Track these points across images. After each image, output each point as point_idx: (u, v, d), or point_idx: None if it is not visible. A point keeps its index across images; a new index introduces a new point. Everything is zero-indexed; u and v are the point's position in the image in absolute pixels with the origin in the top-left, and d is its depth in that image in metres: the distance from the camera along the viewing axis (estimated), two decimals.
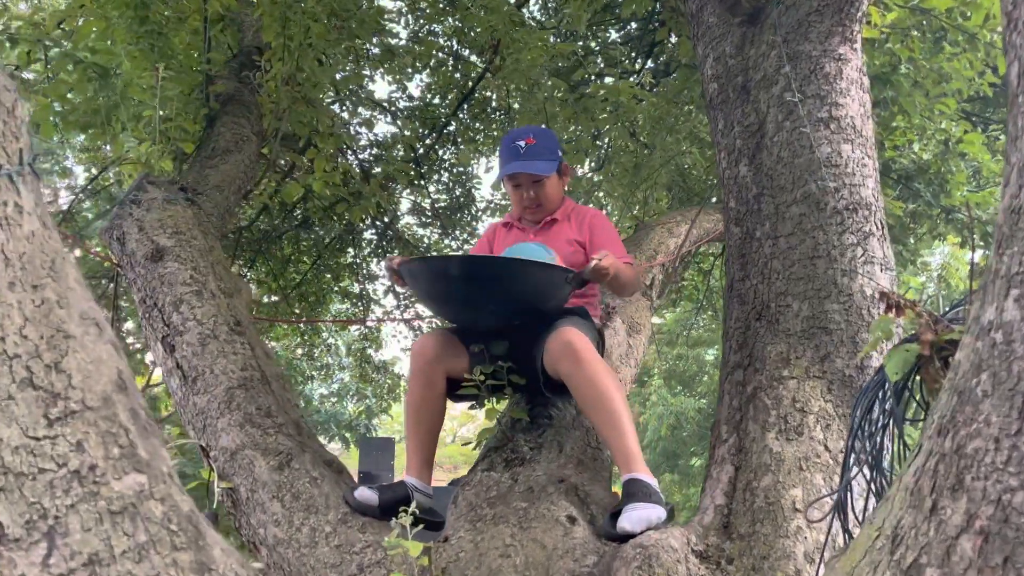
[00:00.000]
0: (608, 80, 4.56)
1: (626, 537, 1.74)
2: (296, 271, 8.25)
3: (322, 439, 13.47)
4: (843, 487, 1.43)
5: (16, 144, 1.12)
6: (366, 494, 2.08)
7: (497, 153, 2.62)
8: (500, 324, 2.22)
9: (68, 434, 1.04)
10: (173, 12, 3.76)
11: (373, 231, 7.55)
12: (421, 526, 1.85)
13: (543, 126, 3.46)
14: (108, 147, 4.01)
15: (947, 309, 1.44)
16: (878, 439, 1.41)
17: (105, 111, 3.56)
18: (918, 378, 1.43)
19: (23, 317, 1.04)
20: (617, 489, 2.05)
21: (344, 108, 5.62)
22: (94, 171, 5.59)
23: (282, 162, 5.00)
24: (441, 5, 5.36)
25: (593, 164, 5.03)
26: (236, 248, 7.65)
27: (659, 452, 13.91)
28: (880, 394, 1.42)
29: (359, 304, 8.48)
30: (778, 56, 2.32)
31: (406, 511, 1.79)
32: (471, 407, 2.32)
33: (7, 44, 3.58)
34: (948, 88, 3.93)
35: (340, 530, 2.00)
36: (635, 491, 1.87)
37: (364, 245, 7.89)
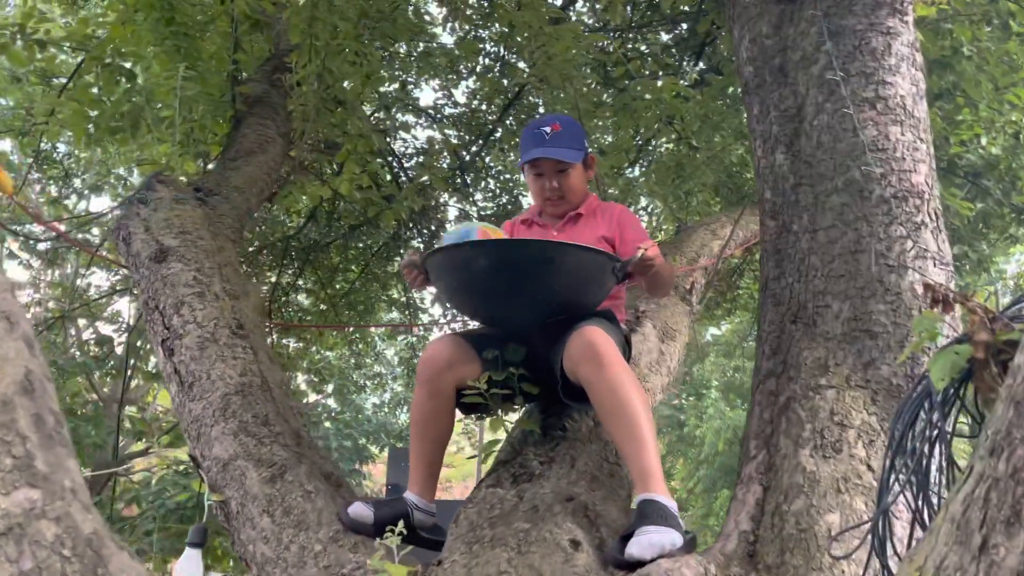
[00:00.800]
0: (652, 81, 4.36)
1: (635, 565, 1.53)
2: (345, 280, 8.22)
3: (373, 449, 13.44)
4: (878, 514, 1.20)
5: None
6: (361, 511, 1.92)
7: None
8: (537, 320, 2.02)
9: None
10: (200, 13, 3.71)
11: (420, 239, 7.47)
12: (410, 548, 1.68)
13: (570, 116, 3.28)
14: (138, 151, 3.99)
15: (1008, 305, 1.21)
16: (924, 458, 1.19)
17: (132, 115, 3.52)
18: (971, 387, 1.20)
19: None
20: None
21: (381, 112, 5.53)
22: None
23: (316, 166, 4.93)
24: (486, 8, 5.25)
25: (634, 162, 4.83)
26: (284, 257, 7.66)
27: (716, 467, 13.47)
28: (926, 405, 1.20)
29: (406, 313, 8.40)
30: (818, 32, 2.10)
31: (393, 530, 1.62)
32: (478, 418, 2.14)
33: (35, 47, 3.57)
34: (1018, 77, 3.60)
35: (330, 549, 1.84)
36: (649, 512, 1.66)
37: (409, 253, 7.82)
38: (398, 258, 7.64)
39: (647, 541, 1.57)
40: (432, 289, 2.39)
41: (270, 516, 1.94)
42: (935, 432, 1.14)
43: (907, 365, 1.69)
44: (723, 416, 13.34)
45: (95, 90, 3.52)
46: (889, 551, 1.29)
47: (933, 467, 1.20)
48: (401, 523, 1.66)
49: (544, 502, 1.80)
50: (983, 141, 3.87)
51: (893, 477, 1.21)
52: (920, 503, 1.19)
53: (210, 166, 3.51)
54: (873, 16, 2.05)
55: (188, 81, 3.23)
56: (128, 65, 3.65)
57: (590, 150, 2.43)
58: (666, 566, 1.45)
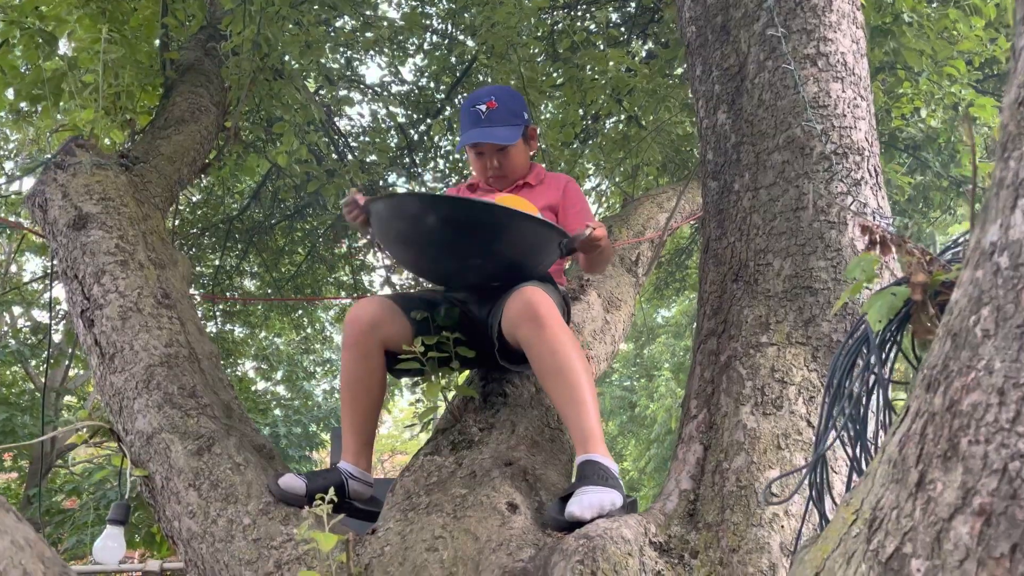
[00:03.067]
0: (600, 53, 4.31)
1: (574, 525, 1.49)
2: (291, 262, 8.04)
3: (324, 436, 13.26)
4: (815, 461, 1.17)
5: None
6: (292, 482, 1.84)
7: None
8: (476, 281, 1.98)
9: None
10: None
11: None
12: (341, 516, 1.61)
13: (508, 87, 3.23)
14: (61, 118, 3.80)
15: (945, 247, 1.18)
16: (861, 404, 1.16)
17: (53, 80, 3.35)
18: (909, 333, 1.18)
19: None
20: None
21: (324, 88, 5.39)
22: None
23: (258, 141, 4.78)
24: None
25: (584, 140, 4.78)
26: (227, 239, 7.45)
27: (668, 446, 13.63)
28: (864, 350, 1.17)
29: (355, 295, 8.27)
30: None
31: (323, 499, 1.55)
32: (413, 384, 2.08)
33: None
34: (956, 49, 3.64)
35: (260, 522, 1.76)
36: (589, 473, 1.61)
37: (359, 235, 7.66)
38: (344, 239, 7.49)
39: (587, 501, 1.52)
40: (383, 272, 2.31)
41: (196, 490, 1.84)
42: (872, 376, 1.11)
43: (847, 321, 1.67)
44: (674, 395, 13.49)
45: (19, 60, 3.34)
46: (829, 505, 1.27)
47: (871, 413, 1.17)
48: (332, 491, 1.59)
49: (482, 467, 1.74)
50: (923, 114, 3.91)
51: (831, 424, 1.18)
52: (858, 451, 1.16)
53: (137, 137, 3.35)
54: None
55: (113, 44, 3.08)
56: (50, 29, 3.46)
57: (531, 122, 2.38)
58: (605, 525, 1.40)
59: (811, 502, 1.21)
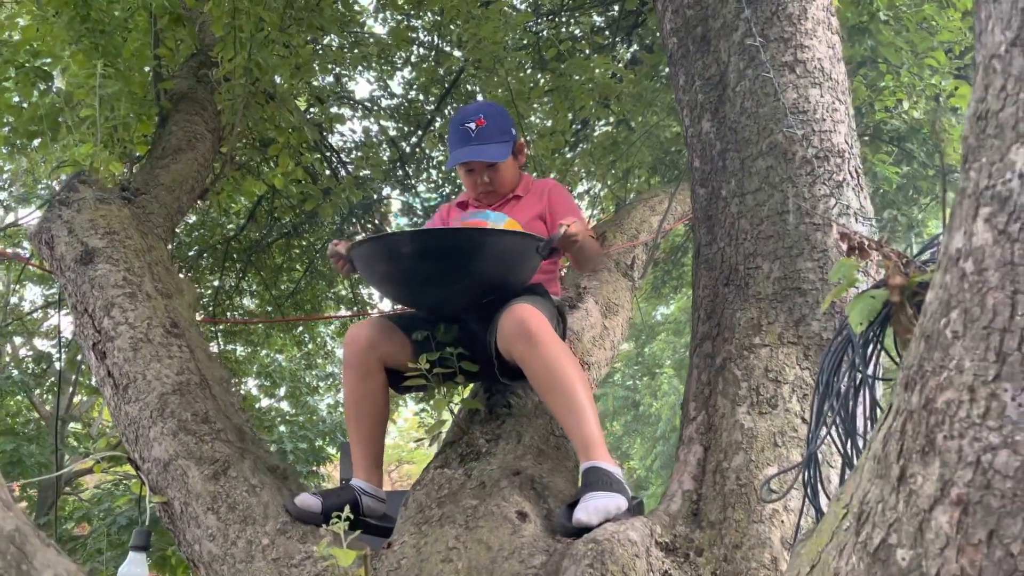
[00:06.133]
0: (585, 61, 4.38)
1: (582, 530, 1.55)
2: (289, 279, 8.09)
3: (330, 450, 13.29)
4: (807, 459, 1.23)
5: None
6: (308, 500, 1.90)
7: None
8: (467, 303, 2.03)
9: None
10: (117, 9, 3.60)
11: (364, 235, 7.37)
12: (358, 532, 1.67)
13: (495, 103, 3.30)
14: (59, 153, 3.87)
15: (921, 249, 1.24)
16: (849, 402, 1.22)
17: (51, 117, 3.41)
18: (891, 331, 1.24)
19: None
20: None
21: (315, 107, 5.45)
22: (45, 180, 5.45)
23: (252, 163, 4.84)
24: None
25: (573, 146, 4.85)
26: (225, 260, 7.50)
27: (673, 443, 13.69)
28: (849, 350, 1.23)
29: (355, 309, 8.30)
30: (737, 0, 2.13)
31: (339, 517, 1.61)
32: (420, 400, 2.13)
33: None
34: (936, 40, 3.71)
35: (279, 541, 1.82)
36: (594, 480, 1.67)
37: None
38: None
39: (593, 507, 1.58)
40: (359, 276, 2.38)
41: (215, 513, 1.90)
42: (858, 375, 1.18)
43: (835, 319, 1.73)
44: (677, 392, 13.54)
45: (13, 96, 3.40)
46: (825, 500, 1.33)
47: (859, 410, 1.23)
48: (348, 509, 1.64)
49: (491, 478, 1.80)
50: (905, 106, 3.98)
51: (821, 421, 1.24)
52: (849, 447, 1.22)
53: (136, 167, 3.42)
54: None
55: (108, 79, 3.14)
56: (44, 66, 3.53)
57: (519, 138, 2.44)
58: (612, 529, 1.47)
59: (807, 498, 1.27)
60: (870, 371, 1.18)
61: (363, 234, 6.35)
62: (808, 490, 1.26)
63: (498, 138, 2.29)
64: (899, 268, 1.16)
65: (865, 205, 1.88)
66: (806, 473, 1.25)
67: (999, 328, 0.85)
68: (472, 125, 2.28)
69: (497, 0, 3.84)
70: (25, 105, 3.50)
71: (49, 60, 3.46)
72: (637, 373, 16.18)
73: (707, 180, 2.10)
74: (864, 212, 1.85)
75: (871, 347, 1.19)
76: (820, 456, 1.30)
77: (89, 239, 2.43)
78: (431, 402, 2.04)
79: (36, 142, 3.55)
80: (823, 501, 1.30)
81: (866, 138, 4.33)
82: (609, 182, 4.36)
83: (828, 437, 1.21)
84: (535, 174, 4.07)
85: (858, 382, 1.21)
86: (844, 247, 1.18)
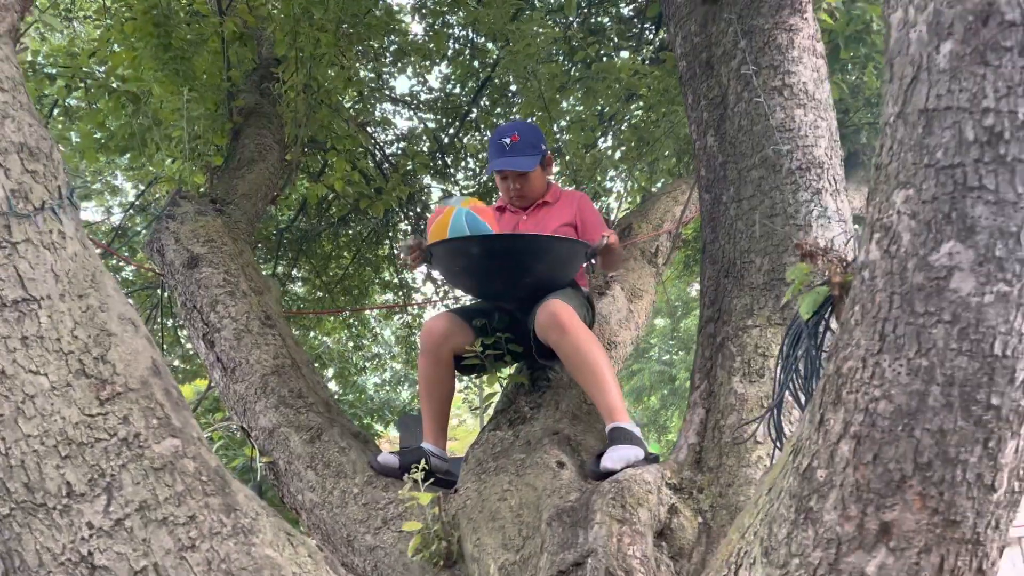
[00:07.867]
0: (611, 63, 4.73)
1: (607, 474, 1.98)
2: (338, 266, 8.58)
3: (378, 426, 13.92)
4: (772, 407, 1.64)
5: (55, 182, 1.40)
6: (388, 458, 2.36)
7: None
8: (523, 294, 2.46)
9: (116, 411, 1.32)
10: (193, 35, 4.06)
11: (407, 222, 7.83)
12: (432, 481, 2.11)
13: (529, 120, 3.71)
14: (150, 166, 4.36)
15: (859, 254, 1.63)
16: (804, 370, 1.62)
17: (140, 134, 3.89)
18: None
19: (73, 321, 1.32)
20: None
21: (362, 107, 5.88)
22: (140, 187, 5.98)
23: (308, 166, 5.30)
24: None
25: (603, 133, 5.23)
26: (279, 249, 8.01)
27: None
28: (804, 332, 1.63)
29: (399, 293, 8.78)
30: (734, 32, 2.50)
31: (418, 468, 2.06)
32: (476, 377, 2.57)
33: (47, 80, 3.93)
34: None
35: (366, 491, 2.28)
36: (617, 436, 2.11)
37: (400, 236, 8.17)
38: (387, 241, 8.03)
39: (616, 456, 2.01)
40: (423, 269, 2.85)
41: (313, 470, 2.37)
42: (803, 350, 1.58)
43: (782, 301, 2.12)
44: None
45: (104, 118, 3.89)
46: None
47: (813, 378, 1.63)
48: (423, 462, 2.09)
49: (535, 437, 2.24)
50: None
51: (786, 383, 1.65)
52: (804, 402, 1.62)
53: (215, 179, 3.88)
54: (777, 16, 2.45)
55: (192, 103, 3.60)
56: (133, 89, 4.01)
57: (548, 152, 2.86)
58: (631, 472, 1.89)
59: (775, 442, 1.68)
60: (816, 345, 1.58)
61: (410, 226, 6.79)
62: (775, 433, 1.67)
63: (529, 152, 2.71)
64: (838, 269, 1.56)
65: (842, 208, 2.26)
66: (772, 421, 1.66)
67: (882, 318, 1.25)
68: (507, 140, 2.69)
69: (528, 14, 4.21)
70: (116, 126, 3.98)
71: (136, 83, 3.93)
72: (673, 348, 16.49)
73: (711, 187, 2.49)
74: (840, 214, 2.23)
75: (821, 327, 1.59)
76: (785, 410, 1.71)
77: (193, 246, 2.90)
78: (483, 378, 2.48)
79: (126, 156, 4.03)
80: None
81: (871, 126, 4.64)
82: (636, 173, 4.72)
83: (788, 394, 1.62)
84: (568, 172, 4.47)
85: (813, 356, 1.61)
86: (799, 254, 1.57)
